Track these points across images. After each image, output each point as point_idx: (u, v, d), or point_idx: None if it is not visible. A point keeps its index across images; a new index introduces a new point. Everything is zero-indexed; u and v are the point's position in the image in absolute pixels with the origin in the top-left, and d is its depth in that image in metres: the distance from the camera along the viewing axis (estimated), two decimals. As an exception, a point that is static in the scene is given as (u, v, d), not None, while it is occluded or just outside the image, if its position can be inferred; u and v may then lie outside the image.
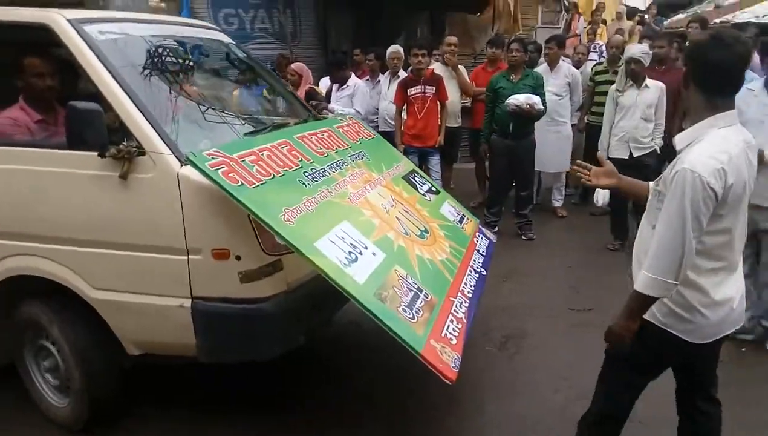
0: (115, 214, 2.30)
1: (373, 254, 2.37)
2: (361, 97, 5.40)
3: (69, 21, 2.41)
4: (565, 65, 5.74)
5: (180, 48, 2.80)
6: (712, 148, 1.67)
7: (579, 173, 2.18)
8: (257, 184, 2.22)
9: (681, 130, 5.88)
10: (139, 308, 2.38)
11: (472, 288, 2.71)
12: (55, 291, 2.49)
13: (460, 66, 5.93)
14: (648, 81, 4.65)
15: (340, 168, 2.85)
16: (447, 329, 2.25)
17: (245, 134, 2.69)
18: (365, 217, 2.60)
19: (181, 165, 2.23)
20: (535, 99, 4.82)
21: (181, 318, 2.31)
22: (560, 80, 5.61)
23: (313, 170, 2.62)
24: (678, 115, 5.47)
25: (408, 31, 8.06)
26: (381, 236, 2.54)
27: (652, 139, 4.69)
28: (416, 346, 2.02)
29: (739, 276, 1.88)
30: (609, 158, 4.79)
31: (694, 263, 1.72)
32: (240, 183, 2.15)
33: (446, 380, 2.00)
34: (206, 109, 2.66)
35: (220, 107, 2.75)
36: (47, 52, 2.74)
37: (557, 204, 6.12)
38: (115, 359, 2.57)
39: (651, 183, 1.97)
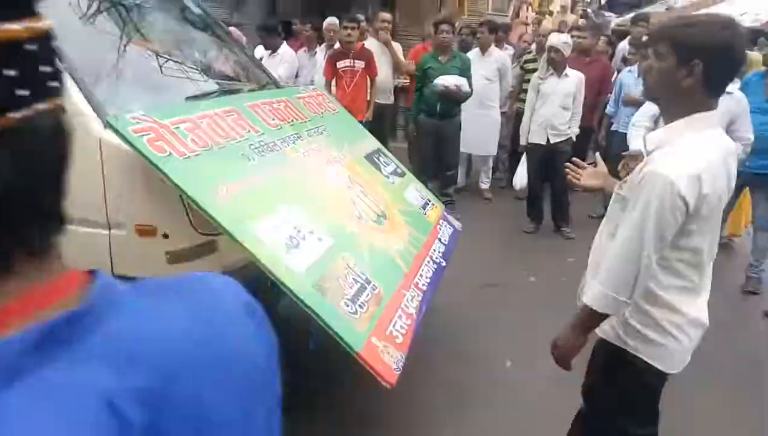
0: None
1: (319, 239, 2.16)
2: (287, 65, 5.39)
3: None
4: (496, 51, 5.78)
5: (129, 3, 2.51)
6: (688, 151, 1.44)
7: (568, 171, 1.97)
8: (189, 155, 1.98)
9: (601, 120, 5.52)
10: (55, 285, 2.14)
11: (428, 280, 2.52)
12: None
13: (393, 43, 5.87)
14: (568, 70, 4.73)
15: (294, 143, 2.62)
16: (394, 326, 2.06)
17: (187, 98, 2.42)
18: (316, 198, 2.38)
19: (105, 128, 1.97)
20: (463, 81, 4.89)
21: (102, 299, 2.08)
22: (491, 65, 5.63)
23: (261, 144, 2.39)
24: (599, 106, 5.66)
25: (358, 5, 7.87)
26: (331, 219, 2.33)
27: (569, 127, 4.82)
28: (354, 345, 1.83)
29: (705, 303, 1.68)
30: (528, 143, 4.99)
31: (657, 280, 1.54)
32: (168, 153, 1.91)
33: (385, 383, 1.82)
34: (146, 67, 2.39)
35: (162, 66, 2.47)
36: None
37: (484, 186, 6.20)
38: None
39: (615, 186, 1.78)
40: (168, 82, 2.45)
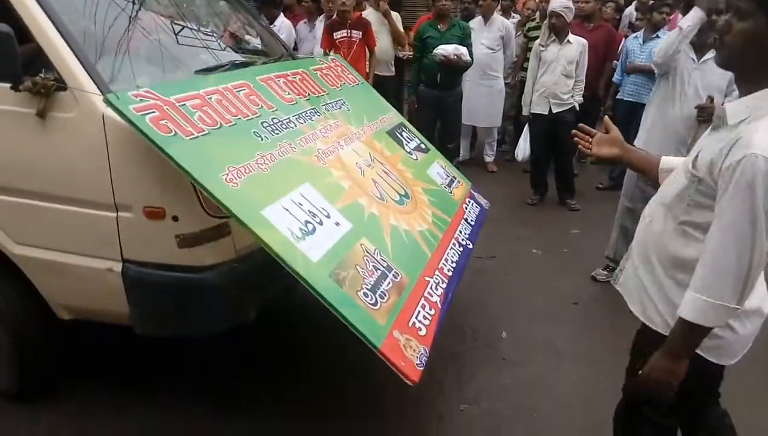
0: (33, 158, 1.96)
1: (337, 223, 2.03)
2: (283, 36, 5.23)
3: None
4: (499, 19, 5.57)
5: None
6: None
7: (577, 140, 1.78)
8: (196, 134, 1.86)
9: (608, 88, 5.43)
10: (65, 269, 2.07)
11: (453, 265, 2.38)
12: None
13: (393, 13, 5.67)
14: (570, 37, 4.58)
15: (311, 119, 2.47)
16: (416, 317, 1.93)
17: (196, 72, 2.29)
18: (333, 178, 2.24)
19: (108, 106, 1.85)
20: (463, 50, 4.76)
21: (111, 283, 2.00)
22: (494, 34, 5.44)
23: (275, 120, 2.24)
24: (606, 73, 5.44)
25: None
26: (350, 201, 2.19)
27: (572, 96, 4.67)
28: (374, 339, 1.71)
29: (765, 290, 1.50)
30: (530, 114, 4.81)
31: None
32: (173, 133, 1.78)
33: (408, 381, 1.70)
34: (152, 38, 2.25)
35: (170, 37, 2.34)
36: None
37: (488, 159, 6.04)
38: (49, 321, 2.27)
39: (680, 161, 1.56)
40: (176, 54, 2.32)
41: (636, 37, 5.14)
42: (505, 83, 5.78)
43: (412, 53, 5.47)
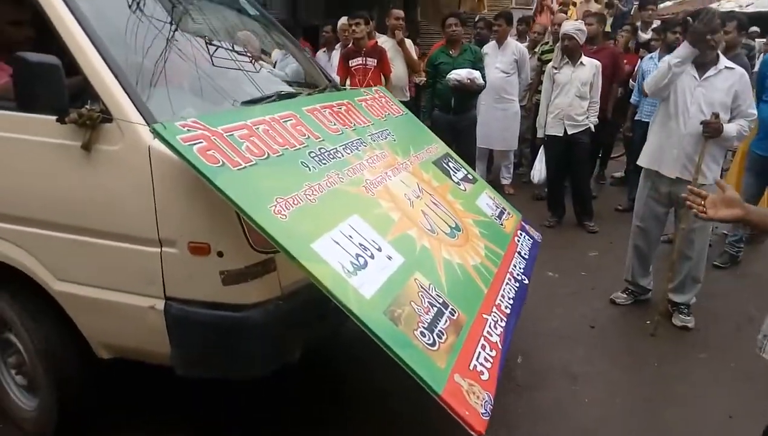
0: (76, 192, 1.90)
1: (389, 257, 1.90)
2: None
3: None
4: (513, 42, 5.65)
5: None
6: None
7: (690, 203, 1.58)
8: (244, 165, 1.77)
9: (616, 110, 5.17)
10: (106, 306, 1.98)
11: (510, 302, 2.22)
12: (17, 278, 2.12)
13: (407, 40, 5.70)
14: (584, 58, 4.59)
15: (357, 149, 2.38)
16: (477, 359, 1.77)
17: (243, 103, 2.23)
18: (382, 209, 2.13)
19: (154, 137, 1.80)
20: (476, 73, 4.79)
21: (153, 322, 1.91)
22: (508, 57, 5.49)
23: (322, 150, 2.16)
24: (613, 94, 5.36)
25: (381, 6, 7.65)
26: (400, 233, 2.07)
27: (587, 117, 4.65)
28: (435, 385, 1.55)
29: None
30: (546, 136, 4.71)
31: None
32: (221, 163, 1.70)
33: (473, 432, 1.53)
34: (196, 69, 2.21)
35: (214, 68, 2.30)
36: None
37: (505, 182, 6.03)
38: (88, 360, 2.19)
39: None
40: (221, 85, 2.26)
41: (651, 57, 5.06)
42: (521, 106, 5.79)
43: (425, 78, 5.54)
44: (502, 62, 5.45)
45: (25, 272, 2.07)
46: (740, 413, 2.57)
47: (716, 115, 3.02)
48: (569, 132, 4.65)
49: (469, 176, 3.07)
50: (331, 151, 2.20)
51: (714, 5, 16.24)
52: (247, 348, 1.89)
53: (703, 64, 3.11)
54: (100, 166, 1.85)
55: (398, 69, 5.50)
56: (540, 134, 4.90)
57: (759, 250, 4.71)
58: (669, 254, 3.49)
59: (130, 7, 2.13)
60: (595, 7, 9.85)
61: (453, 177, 2.89)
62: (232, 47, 2.49)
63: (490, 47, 5.56)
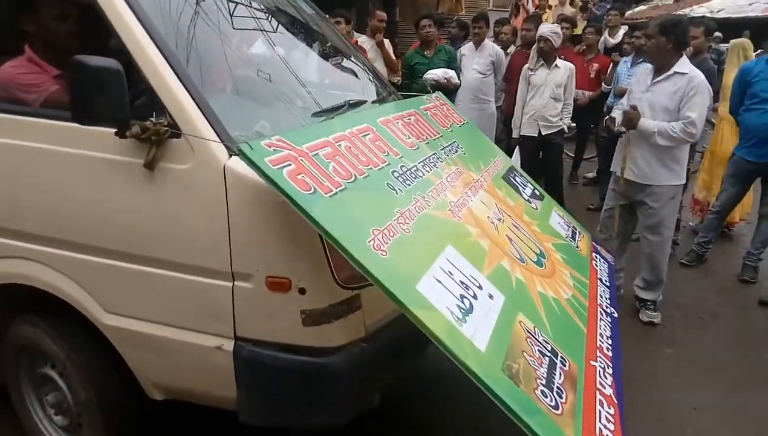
0: (135, 215, 1.66)
1: (490, 296, 1.67)
2: None
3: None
4: (489, 44, 5.65)
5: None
6: None
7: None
8: (335, 190, 1.54)
9: (588, 112, 5.36)
10: (163, 344, 1.75)
11: (609, 342, 1.99)
12: (61, 308, 1.89)
13: (385, 40, 5.59)
14: (558, 61, 4.68)
15: (435, 166, 2.14)
16: (599, 420, 1.54)
17: (314, 114, 1.99)
18: (471, 237, 1.89)
19: (230, 155, 1.56)
20: (451, 73, 4.75)
21: (219, 364, 1.68)
22: (485, 59, 5.46)
23: (404, 169, 1.92)
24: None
25: (360, 6, 7.47)
26: (494, 266, 1.84)
27: (560, 119, 4.73)
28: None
29: None
30: (521, 136, 4.59)
31: None
32: (312, 190, 1.47)
33: None
34: (262, 77, 1.97)
35: (280, 75, 2.05)
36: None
37: None
38: (138, 400, 1.95)
39: None
40: (288, 93, 2.02)
41: (625, 61, 5.19)
42: (497, 107, 5.75)
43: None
44: (479, 63, 5.44)
45: (69, 302, 1.84)
46: (705, 405, 2.70)
47: (634, 108, 3.20)
48: (543, 133, 4.72)
49: (537, 192, 2.84)
50: (412, 170, 1.96)
51: (686, 10, 16.54)
52: (329, 397, 1.66)
53: (658, 69, 3.24)
54: (164, 187, 1.62)
55: (378, 70, 5.39)
56: (515, 135, 4.95)
57: (725, 249, 4.75)
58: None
59: (192, 7, 1.89)
60: (569, 10, 10.24)
61: (523, 194, 2.66)
62: (295, 53, 2.24)
63: (467, 48, 5.57)
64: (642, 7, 19.46)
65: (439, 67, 4.73)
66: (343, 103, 2.13)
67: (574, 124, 4.86)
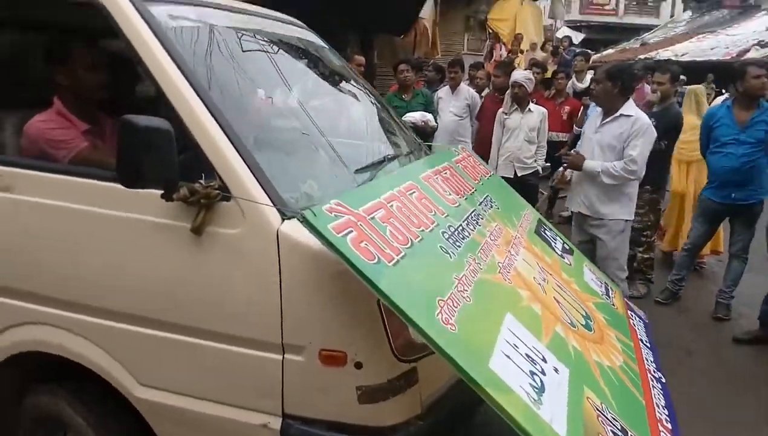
0: (179, 282, 1.56)
1: (555, 369, 1.57)
2: None
3: (129, -2, 1.68)
4: (465, 88, 5.88)
5: (274, 49, 2.06)
6: None
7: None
8: (396, 258, 1.45)
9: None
10: (202, 421, 1.62)
11: (666, 412, 1.89)
12: (86, 377, 1.75)
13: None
14: (531, 105, 4.87)
15: (477, 223, 2.07)
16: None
17: (357, 171, 1.92)
18: (524, 302, 1.81)
19: (282, 220, 1.47)
20: (429, 116, 4.84)
21: (263, 443, 1.55)
22: (461, 102, 5.67)
23: (451, 229, 1.85)
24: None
25: (340, 51, 7.74)
26: (551, 333, 1.75)
27: (535, 160, 4.88)
28: None
29: None
30: None
31: None
32: (376, 259, 1.38)
33: None
34: (304, 133, 1.90)
35: (320, 131, 1.99)
36: (95, 40, 2.04)
37: None
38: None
39: None
40: (329, 150, 1.95)
41: (594, 104, 5.53)
42: (472, 147, 5.83)
43: None
44: (455, 106, 5.61)
45: (98, 372, 1.70)
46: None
47: (576, 153, 3.49)
48: (519, 174, 4.85)
49: (566, 246, 2.78)
50: (459, 230, 1.89)
51: (651, 54, 17.26)
52: (383, 480, 1.53)
53: (606, 111, 3.48)
54: (212, 252, 1.52)
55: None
56: None
57: (698, 287, 4.84)
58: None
59: (235, 63, 1.83)
60: (540, 55, 10.73)
61: (555, 249, 2.59)
62: (334, 105, 2.19)
63: (444, 92, 5.78)
64: (609, 51, 20.38)
65: (416, 111, 4.90)
66: (382, 158, 2.07)
67: (549, 164, 4.99)
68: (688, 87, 5.36)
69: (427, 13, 8.51)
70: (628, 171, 3.30)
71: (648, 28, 24.63)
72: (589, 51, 13.25)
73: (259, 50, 1.97)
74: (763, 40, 15.09)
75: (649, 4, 28.66)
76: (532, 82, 4.92)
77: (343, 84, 2.47)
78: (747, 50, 14.90)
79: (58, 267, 1.67)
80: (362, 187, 1.74)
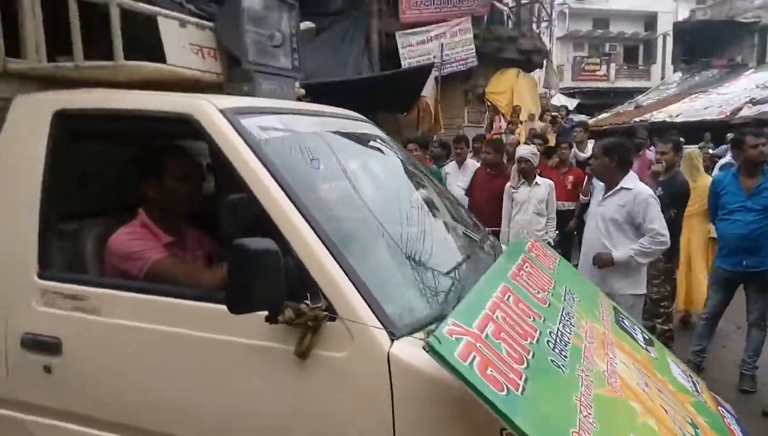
0: (281, 410, 1.47)
1: (692, 500, 1.42)
2: None
3: (222, 111, 1.69)
4: (471, 162, 6.05)
5: (357, 152, 2.06)
6: None
7: None
8: (520, 384, 1.35)
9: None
10: None
11: None
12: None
13: None
14: (538, 179, 4.95)
15: (570, 323, 1.97)
16: None
17: (447, 274, 1.85)
18: (640, 418, 1.67)
19: (391, 341, 1.39)
20: None
21: None
22: (467, 176, 5.79)
23: (553, 336, 1.75)
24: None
25: None
26: (674, 451, 1.60)
27: (546, 232, 4.88)
28: None
29: None
30: None
31: None
32: (505, 390, 1.28)
33: None
34: (395, 239, 1.84)
35: (407, 234, 1.94)
36: (184, 151, 2.05)
37: None
38: None
39: None
40: (422, 256, 1.87)
41: None
42: None
43: None
44: (462, 181, 5.73)
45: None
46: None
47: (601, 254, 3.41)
48: None
49: (646, 336, 2.64)
50: (559, 336, 1.79)
51: (646, 116, 17.57)
52: None
53: (607, 186, 3.53)
54: (317, 376, 1.44)
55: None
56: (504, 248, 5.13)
57: (719, 358, 4.68)
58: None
59: (323, 170, 1.81)
60: (539, 125, 10.93)
61: (639, 341, 2.45)
62: (414, 207, 2.15)
63: (451, 167, 5.98)
64: (605, 115, 20.85)
65: None
66: (467, 255, 2.00)
67: (558, 231, 5.10)
68: (685, 152, 5.47)
69: (428, 91, 8.93)
70: (659, 242, 3.33)
71: (640, 90, 25.46)
72: (587, 119, 13.52)
73: (345, 155, 1.96)
74: (754, 98, 15.61)
75: (640, 67, 29.52)
76: (537, 157, 5.05)
77: (415, 179, 2.44)
78: (740, 108, 15.23)
79: (148, 396, 1.59)
80: (468, 300, 1.64)
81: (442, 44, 10.56)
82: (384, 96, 7.64)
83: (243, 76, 2.12)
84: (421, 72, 8.69)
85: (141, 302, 1.63)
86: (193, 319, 1.55)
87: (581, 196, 6.05)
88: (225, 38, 2.09)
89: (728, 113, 15.24)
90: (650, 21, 29.09)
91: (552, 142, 7.56)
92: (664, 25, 27.71)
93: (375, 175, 2.06)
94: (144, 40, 1.99)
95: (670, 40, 27.18)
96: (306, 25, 2.52)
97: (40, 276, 1.79)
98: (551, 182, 5.09)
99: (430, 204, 2.29)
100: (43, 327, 1.75)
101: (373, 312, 1.43)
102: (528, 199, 4.91)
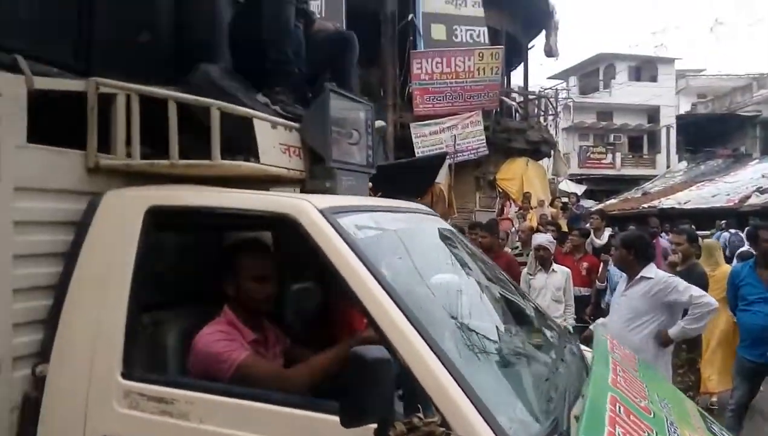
0: None
1: None
2: None
3: (321, 211, 1.68)
4: None
5: (439, 248, 2.03)
6: None
7: None
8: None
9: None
10: None
11: None
12: None
13: None
14: (555, 266, 5.02)
15: (677, 435, 1.83)
16: None
17: (546, 380, 1.75)
18: None
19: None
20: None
21: None
22: None
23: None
24: None
25: None
26: None
27: (564, 319, 4.84)
28: None
29: None
30: None
31: None
32: None
33: None
34: (495, 342, 1.77)
35: (501, 336, 1.86)
36: (260, 246, 2.04)
37: None
38: None
39: None
40: (513, 356, 1.81)
41: None
42: None
43: None
44: None
45: None
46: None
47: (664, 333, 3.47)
48: None
49: (724, 433, 2.44)
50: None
51: (654, 202, 17.64)
52: None
53: (629, 276, 3.67)
54: (431, 500, 1.32)
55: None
56: None
57: (755, 423, 4.60)
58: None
59: (415, 269, 1.78)
60: (549, 210, 11.16)
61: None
62: (499, 301, 2.09)
63: None
64: (613, 200, 20.98)
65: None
66: (559, 357, 1.91)
67: (575, 317, 5.18)
68: (704, 243, 5.58)
69: (442, 177, 9.23)
70: (703, 304, 3.39)
71: (646, 178, 25.78)
72: (595, 204, 13.48)
73: (434, 254, 1.94)
74: (762, 187, 15.91)
75: (645, 156, 29.79)
76: (553, 245, 5.15)
77: (495, 275, 2.37)
78: (748, 196, 15.42)
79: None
80: (588, 416, 1.53)
81: (455, 135, 11.24)
82: (400, 182, 7.86)
83: (326, 174, 2.14)
84: (436, 160, 9.16)
85: (236, 407, 1.56)
86: (294, 430, 1.47)
87: (597, 282, 6.14)
88: (311, 138, 2.13)
89: (736, 201, 15.48)
90: (653, 114, 29.68)
91: (564, 228, 7.75)
92: (667, 119, 28.33)
93: (463, 273, 2.02)
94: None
95: (673, 132, 27.78)
96: (379, 123, 2.59)
97: (124, 376, 1.73)
98: (568, 270, 5.13)
99: (514, 301, 2.22)
100: (125, 430, 1.67)
101: (491, 429, 1.33)
102: (545, 286, 4.94)
